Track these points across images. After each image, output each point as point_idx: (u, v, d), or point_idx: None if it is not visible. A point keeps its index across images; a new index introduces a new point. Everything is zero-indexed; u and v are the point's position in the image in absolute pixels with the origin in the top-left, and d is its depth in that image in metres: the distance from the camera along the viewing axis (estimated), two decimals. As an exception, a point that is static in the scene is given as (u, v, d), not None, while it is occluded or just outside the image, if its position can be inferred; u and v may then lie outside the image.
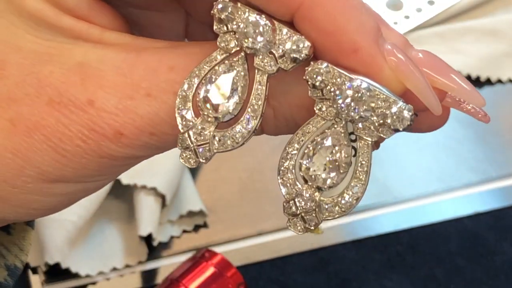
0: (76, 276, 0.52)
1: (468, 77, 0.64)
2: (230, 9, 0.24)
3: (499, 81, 0.64)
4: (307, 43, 0.23)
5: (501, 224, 0.56)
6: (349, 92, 0.23)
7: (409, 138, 0.60)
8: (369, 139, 0.24)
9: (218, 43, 0.24)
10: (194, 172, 0.57)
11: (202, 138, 0.24)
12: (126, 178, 0.53)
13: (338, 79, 0.23)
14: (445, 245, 0.55)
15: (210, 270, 0.48)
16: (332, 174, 0.23)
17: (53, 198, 0.26)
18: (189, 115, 0.24)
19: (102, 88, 0.24)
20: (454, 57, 0.64)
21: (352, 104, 0.23)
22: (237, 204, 0.56)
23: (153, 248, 0.54)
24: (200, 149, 0.24)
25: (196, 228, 0.55)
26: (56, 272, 0.52)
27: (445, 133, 0.61)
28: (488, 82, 0.64)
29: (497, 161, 0.59)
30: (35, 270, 0.52)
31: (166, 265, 0.53)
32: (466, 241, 0.55)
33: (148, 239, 0.53)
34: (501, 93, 0.64)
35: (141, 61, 0.25)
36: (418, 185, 0.58)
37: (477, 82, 0.64)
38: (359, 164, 0.24)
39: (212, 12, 0.24)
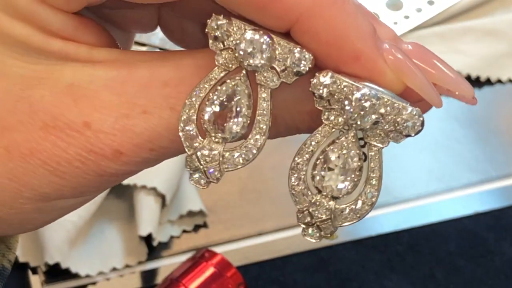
0: (76, 276, 0.52)
1: (468, 77, 0.64)
2: (225, 26, 0.23)
3: (499, 81, 0.64)
4: (309, 56, 0.23)
5: (501, 224, 0.56)
6: (358, 102, 0.23)
7: (409, 138, 0.60)
8: (380, 145, 0.24)
9: (216, 60, 0.24)
10: (194, 172, 0.57)
11: (211, 159, 0.24)
12: (126, 178, 0.53)
13: (345, 89, 0.23)
14: (444, 245, 0.55)
15: (210, 270, 0.48)
16: (346, 183, 0.24)
17: (49, 214, 0.26)
18: (195, 136, 0.24)
19: (96, 109, 0.24)
20: (454, 57, 0.64)
21: (362, 113, 0.23)
22: (237, 204, 0.56)
23: (153, 248, 0.54)
24: (210, 170, 0.24)
25: (196, 228, 0.55)
26: (56, 272, 0.52)
27: (445, 133, 0.61)
28: (488, 82, 0.64)
29: (497, 161, 0.59)
30: (35, 270, 0.52)
31: (166, 265, 0.53)
32: (466, 241, 0.55)
33: (148, 239, 0.53)
34: (501, 93, 0.64)
35: (133, 77, 0.24)
36: (418, 185, 0.58)
37: (477, 82, 0.64)
38: (371, 170, 0.24)
39: (206, 30, 0.24)
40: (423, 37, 0.65)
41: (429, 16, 0.66)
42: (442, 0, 0.67)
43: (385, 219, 0.56)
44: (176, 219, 0.54)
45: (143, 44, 0.61)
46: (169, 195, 0.53)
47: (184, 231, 0.55)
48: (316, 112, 0.24)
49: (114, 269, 0.53)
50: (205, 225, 0.55)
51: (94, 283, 0.52)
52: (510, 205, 0.57)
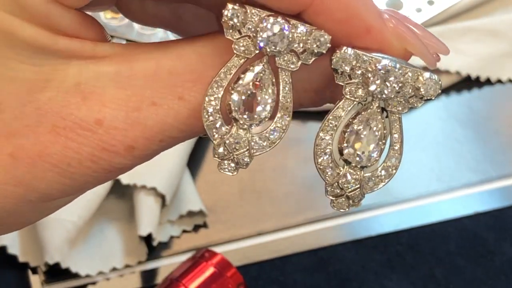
0: (76, 276, 0.52)
1: (468, 77, 0.64)
2: (241, 15, 0.24)
3: (499, 81, 0.64)
4: (327, 36, 0.24)
5: (500, 224, 0.56)
6: (381, 73, 0.24)
7: (409, 138, 0.60)
8: (401, 111, 0.25)
9: (234, 49, 0.24)
10: (194, 172, 0.57)
11: (240, 145, 0.25)
12: (126, 178, 0.53)
13: (366, 62, 0.24)
14: (444, 245, 0.55)
15: (210, 270, 0.48)
16: (375, 152, 0.25)
17: (43, 213, 0.26)
18: (221, 125, 0.24)
19: (106, 105, 0.24)
20: (454, 57, 0.64)
21: (386, 83, 0.24)
22: (237, 204, 0.56)
23: (153, 248, 0.54)
24: (240, 157, 0.25)
25: (196, 228, 0.55)
26: (56, 272, 0.52)
27: (445, 133, 0.61)
28: (488, 82, 0.64)
29: (497, 161, 0.59)
30: (35, 270, 0.52)
31: (166, 265, 0.53)
32: (466, 241, 0.55)
33: (148, 239, 0.53)
34: (501, 93, 0.64)
35: (137, 70, 0.24)
36: (418, 185, 0.58)
37: (477, 82, 0.64)
38: (394, 137, 0.25)
39: (222, 20, 0.24)
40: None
41: (429, 16, 0.66)
42: (442, 0, 0.67)
43: (385, 219, 0.56)
44: (176, 219, 0.54)
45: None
46: (169, 195, 0.53)
47: (184, 231, 0.55)
48: (321, 89, 0.25)
49: (114, 269, 0.53)
50: (205, 225, 0.55)
51: (94, 283, 0.52)
52: (510, 205, 0.57)
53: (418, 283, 0.53)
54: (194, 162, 0.58)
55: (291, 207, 0.56)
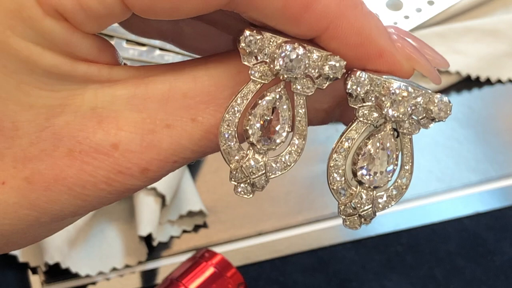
0: (76, 276, 0.52)
1: (468, 77, 0.64)
2: (258, 42, 0.24)
3: (499, 81, 0.64)
4: (343, 62, 0.24)
5: (501, 224, 0.56)
6: (395, 96, 0.25)
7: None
8: (413, 133, 0.26)
9: (251, 75, 0.24)
10: (194, 172, 0.57)
11: (257, 169, 0.25)
12: (126, 178, 0.53)
13: (380, 85, 0.25)
14: (444, 245, 0.55)
15: (210, 270, 0.48)
16: (389, 173, 0.26)
17: (52, 231, 0.26)
18: (238, 150, 0.25)
19: (121, 128, 0.24)
20: (454, 57, 0.64)
21: (400, 106, 0.25)
22: (237, 204, 0.56)
23: (153, 248, 0.54)
24: (256, 180, 0.25)
25: (196, 228, 0.55)
26: (56, 272, 0.52)
27: (445, 133, 0.61)
28: (488, 82, 0.64)
29: (497, 161, 0.59)
30: (34, 270, 0.52)
31: (166, 265, 0.53)
32: (466, 241, 0.55)
33: (148, 239, 0.53)
34: (501, 93, 0.64)
35: (152, 93, 0.25)
36: (418, 185, 0.58)
37: (477, 82, 0.64)
38: (405, 157, 0.26)
39: (240, 47, 0.24)
40: (423, 37, 0.65)
41: (429, 16, 0.66)
42: (442, 0, 0.67)
43: (385, 219, 0.56)
44: (176, 219, 0.54)
45: (143, 44, 0.61)
46: (169, 195, 0.53)
47: (184, 231, 0.55)
48: (332, 109, 0.26)
49: (114, 269, 0.53)
50: (205, 225, 0.55)
51: (94, 283, 0.52)
52: (510, 205, 0.57)
53: (418, 283, 0.53)
54: (194, 162, 0.58)
55: (291, 207, 0.56)
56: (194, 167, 0.58)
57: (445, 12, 0.67)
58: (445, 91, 0.63)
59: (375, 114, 0.25)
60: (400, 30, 0.27)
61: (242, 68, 0.25)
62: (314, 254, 0.54)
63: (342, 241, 0.55)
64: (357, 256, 0.54)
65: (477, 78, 0.64)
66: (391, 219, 0.56)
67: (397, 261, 0.54)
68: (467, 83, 0.64)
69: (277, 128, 0.25)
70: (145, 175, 0.25)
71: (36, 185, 0.24)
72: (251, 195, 0.25)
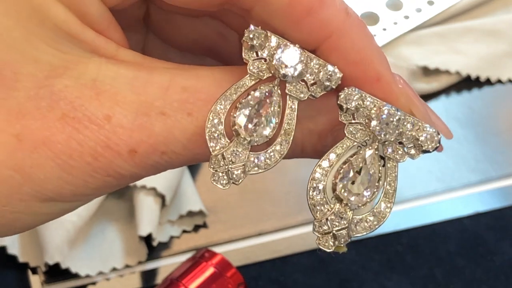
0: (76, 276, 0.52)
1: (468, 77, 0.64)
2: (262, 37, 0.25)
3: (499, 81, 0.64)
4: (340, 73, 0.25)
5: (501, 224, 0.56)
6: (385, 115, 0.25)
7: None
8: (398, 160, 0.26)
9: (248, 69, 0.25)
10: (194, 172, 0.57)
11: (236, 160, 0.25)
12: (126, 178, 0.53)
13: (371, 104, 0.25)
14: (444, 245, 0.55)
15: (210, 270, 0.48)
16: (367, 193, 0.25)
17: (35, 218, 0.25)
18: (222, 138, 0.25)
19: (118, 104, 0.24)
20: (454, 57, 0.64)
21: (388, 127, 0.25)
22: (237, 204, 0.56)
23: (153, 248, 0.54)
24: (235, 171, 0.25)
25: (196, 228, 0.55)
26: (56, 272, 0.52)
27: (445, 133, 0.61)
28: (488, 82, 0.64)
29: (497, 161, 0.59)
30: (35, 270, 0.52)
31: (166, 265, 0.53)
32: (466, 241, 0.55)
33: (148, 239, 0.53)
34: (501, 93, 0.64)
35: (153, 80, 0.25)
36: (418, 185, 0.58)
37: (477, 82, 0.64)
38: (388, 184, 0.26)
39: (243, 40, 0.25)
40: (423, 37, 0.65)
41: (429, 16, 0.66)
42: (442, 0, 0.67)
43: (385, 219, 0.56)
44: (176, 219, 0.54)
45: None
46: (169, 195, 0.53)
47: (184, 231, 0.55)
48: (325, 133, 0.26)
49: (114, 269, 0.53)
50: (205, 225, 0.55)
51: (94, 283, 0.52)
52: (510, 205, 0.57)
53: (418, 283, 0.53)
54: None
55: (291, 207, 0.56)
56: (194, 167, 0.58)
57: (445, 12, 0.67)
58: (445, 91, 0.63)
59: (363, 133, 0.25)
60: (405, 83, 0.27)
61: (247, 75, 0.25)
62: (314, 254, 0.54)
63: (342, 241, 0.55)
64: (357, 256, 0.54)
65: (477, 78, 0.64)
66: (391, 219, 0.56)
67: (397, 261, 0.54)
68: (467, 83, 0.64)
69: (262, 120, 0.25)
70: (131, 157, 0.24)
71: (25, 145, 0.24)
72: (226, 187, 0.25)
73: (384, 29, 0.65)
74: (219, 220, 0.56)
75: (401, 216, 0.56)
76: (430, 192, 0.58)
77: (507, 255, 0.54)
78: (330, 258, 0.54)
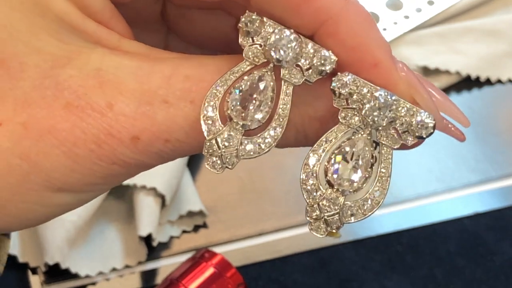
0: (75, 276, 0.52)
1: (468, 77, 0.64)
2: (257, 22, 0.25)
3: (499, 81, 0.64)
4: (334, 57, 0.24)
5: (500, 224, 0.56)
6: (377, 101, 0.24)
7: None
8: (392, 145, 0.25)
9: (244, 54, 0.25)
10: (194, 172, 0.57)
11: (229, 144, 0.25)
12: (126, 178, 0.53)
13: (364, 89, 0.24)
14: (444, 245, 0.55)
15: (210, 271, 0.48)
16: (358, 178, 0.25)
17: (48, 209, 0.26)
18: (216, 122, 0.25)
19: (120, 93, 0.25)
20: (454, 57, 0.64)
21: (380, 112, 0.24)
22: (237, 204, 0.56)
23: (153, 249, 0.54)
24: (228, 156, 0.25)
25: (196, 228, 0.55)
26: (55, 273, 0.52)
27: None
28: (488, 82, 0.64)
29: (497, 161, 0.59)
30: (34, 270, 0.52)
31: (165, 265, 0.53)
32: (466, 241, 0.55)
33: (147, 239, 0.53)
34: (501, 93, 0.64)
35: (157, 69, 0.25)
36: (418, 185, 0.58)
37: (477, 82, 0.64)
38: (381, 170, 0.25)
39: (239, 25, 0.25)
40: (423, 37, 0.65)
41: (429, 16, 0.66)
42: (442, 0, 0.67)
43: (385, 219, 0.56)
44: (176, 220, 0.54)
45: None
46: (169, 195, 0.53)
47: (184, 231, 0.55)
48: (327, 120, 0.25)
49: (114, 269, 0.53)
50: (205, 225, 0.55)
51: (94, 283, 0.52)
52: (510, 205, 0.57)
53: (418, 283, 0.53)
54: (194, 162, 0.58)
55: (291, 207, 0.56)
56: (194, 167, 0.58)
57: (445, 12, 0.67)
58: (445, 91, 0.63)
59: (356, 118, 0.25)
60: (420, 77, 0.27)
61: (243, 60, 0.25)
62: (314, 254, 0.54)
63: (342, 241, 0.55)
64: (357, 256, 0.54)
65: (477, 78, 0.64)
66: (391, 219, 0.56)
67: (397, 261, 0.54)
68: (467, 83, 0.64)
69: (255, 104, 0.25)
70: (134, 144, 0.25)
71: (31, 133, 0.24)
72: (220, 171, 0.25)
73: (384, 29, 0.65)
74: (219, 220, 0.56)
75: (401, 216, 0.56)
76: (430, 192, 0.58)
77: (507, 255, 0.54)
78: (330, 258, 0.54)
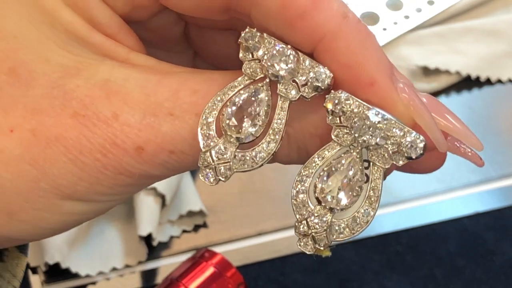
0: (76, 276, 0.52)
1: (468, 77, 0.64)
2: (257, 38, 0.25)
3: (499, 81, 0.64)
4: (330, 74, 0.24)
5: (500, 224, 0.56)
6: (367, 121, 0.24)
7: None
8: (383, 165, 0.25)
9: (243, 69, 0.25)
10: (194, 172, 0.57)
11: (223, 157, 0.25)
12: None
13: (357, 108, 0.24)
14: (444, 245, 0.55)
15: (210, 270, 0.48)
16: (346, 196, 0.25)
17: (60, 217, 0.26)
18: (212, 135, 0.25)
19: (126, 103, 0.25)
20: (454, 57, 0.64)
21: (370, 131, 0.24)
22: (237, 204, 0.56)
23: (153, 248, 0.54)
24: (221, 168, 0.25)
25: (196, 228, 0.55)
26: (56, 272, 0.52)
27: (445, 133, 0.61)
28: (488, 82, 0.64)
29: (497, 161, 0.59)
30: (35, 270, 0.52)
31: (166, 265, 0.53)
32: (466, 241, 0.55)
33: (148, 239, 0.53)
34: (501, 93, 0.64)
35: (165, 82, 0.25)
36: (418, 185, 0.58)
37: (477, 82, 0.64)
38: (371, 190, 0.25)
39: (239, 40, 0.25)
40: (423, 37, 0.65)
41: (429, 16, 0.66)
42: (442, 0, 0.67)
43: (385, 219, 0.56)
44: (176, 219, 0.55)
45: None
46: (169, 195, 0.53)
47: (184, 231, 0.55)
48: (327, 137, 0.25)
49: (114, 269, 0.53)
50: (205, 225, 0.55)
51: (94, 283, 0.52)
52: (510, 205, 0.57)
53: (418, 283, 0.53)
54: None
55: (291, 207, 0.56)
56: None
57: (445, 12, 0.67)
58: (445, 91, 0.63)
59: (348, 137, 0.25)
60: (434, 100, 0.27)
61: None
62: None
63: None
64: (357, 256, 0.54)
65: (477, 78, 0.64)
66: (391, 219, 0.56)
67: (397, 261, 0.54)
68: (467, 83, 0.64)
69: (249, 117, 0.25)
70: (139, 155, 0.25)
71: (40, 140, 0.25)
72: (214, 183, 0.25)
73: (384, 29, 0.65)
74: (219, 220, 0.56)
75: (401, 216, 0.56)
76: (430, 192, 0.58)
77: (507, 255, 0.54)
78: (330, 258, 0.54)
